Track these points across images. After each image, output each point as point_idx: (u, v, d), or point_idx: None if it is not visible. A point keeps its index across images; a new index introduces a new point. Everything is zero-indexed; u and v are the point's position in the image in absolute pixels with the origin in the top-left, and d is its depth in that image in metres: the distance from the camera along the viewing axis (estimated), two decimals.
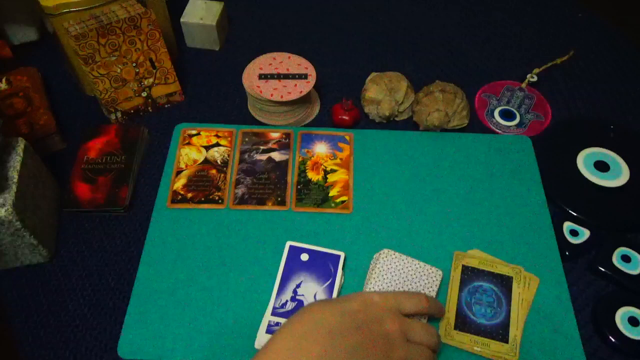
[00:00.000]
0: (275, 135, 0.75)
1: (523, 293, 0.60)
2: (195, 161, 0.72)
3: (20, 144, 0.62)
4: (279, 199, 0.69)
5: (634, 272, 0.62)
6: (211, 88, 0.83)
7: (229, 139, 0.75)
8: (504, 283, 0.61)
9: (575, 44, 0.89)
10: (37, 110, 0.74)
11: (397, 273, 0.60)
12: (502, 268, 0.62)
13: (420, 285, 0.59)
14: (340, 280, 0.61)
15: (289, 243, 0.63)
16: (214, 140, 0.74)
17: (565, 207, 0.69)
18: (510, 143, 0.74)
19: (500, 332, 0.58)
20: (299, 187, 0.70)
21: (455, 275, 0.62)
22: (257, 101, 0.75)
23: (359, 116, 0.78)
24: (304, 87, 0.74)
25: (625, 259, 0.63)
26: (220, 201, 0.68)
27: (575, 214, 0.68)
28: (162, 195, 0.69)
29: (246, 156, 0.73)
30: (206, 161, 0.72)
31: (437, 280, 0.60)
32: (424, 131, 0.76)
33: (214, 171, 0.71)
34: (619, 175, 0.71)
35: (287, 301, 0.59)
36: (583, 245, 0.65)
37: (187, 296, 0.60)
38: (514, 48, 0.90)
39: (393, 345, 0.48)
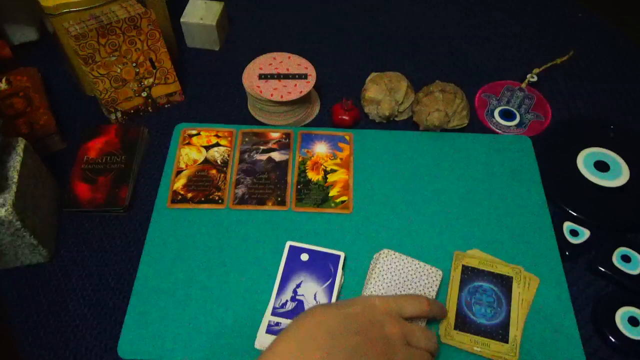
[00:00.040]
0: (275, 135, 0.75)
1: (523, 293, 0.60)
2: (195, 161, 0.72)
3: (20, 144, 0.62)
4: (279, 199, 0.69)
5: (634, 272, 0.62)
6: (211, 88, 0.83)
7: (229, 139, 0.75)
8: (504, 283, 0.61)
9: (575, 44, 0.89)
10: (37, 110, 0.74)
11: (397, 273, 0.60)
12: (502, 268, 0.62)
13: (421, 285, 0.59)
14: (340, 281, 0.61)
15: (289, 243, 0.64)
16: (214, 140, 0.74)
17: (565, 207, 0.69)
18: (510, 143, 0.74)
19: (500, 332, 0.58)
20: (299, 187, 0.70)
21: (455, 275, 0.62)
22: (257, 101, 0.75)
23: (359, 116, 0.78)
24: (304, 87, 0.74)
25: (625, 259, 0.63)
26: (220, 201, 0.68)
27: (575, 214, 0.68)
28: (162, 195, 0.69)
29: (246, 156, 0.73)
30: (206, 161, 0.72)
31: (437, 280, 0.60)
32: (424, 131, 0.76)
33: (214, 171, 0.71)
34: (619, 175, 0.71)
35: (287, 301, 0.59)
36: (583, 245, 0.65)
37: (187, 296, 0.60)
38: (514, 48, 0.90)
39: (393, 349, 0.48)
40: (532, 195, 0.69)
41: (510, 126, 0.78)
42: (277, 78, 0.75)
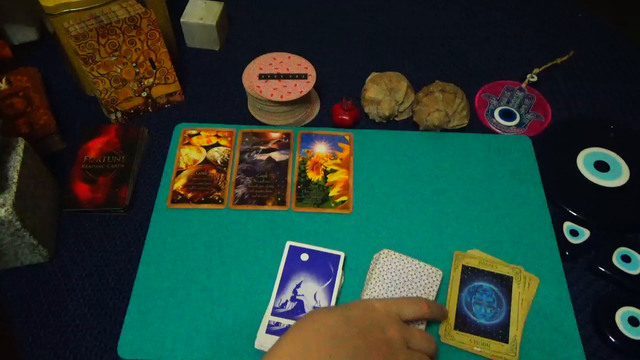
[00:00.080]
0: (275, 135, 0.75)
1: (523, 293, 0.60)
2: (195, 161, 0.72)
3: (20, 144, 0.62)
4: (279, 199, 0.69)
5: (634, 272, 0.62)
6: (211, 88, 0.83)
7: (229, 139, 0.75)
8: (504, 283, 0.61)
9: (575, 44, 0.89)
10: (37, 110, 0.74)
11: (397, 273, 0.60)
12: (502, 268, 0.62)
13: (421, 285, 0.59)
14: (340, 281, 0.61)
15: (289, 243, 0.63)
16: (214, 140, 0.74)
17: (565, 207, 0.69)
18: (510, 143, 0.74)
19: (500, 332, 0.58)
20: (299, 187, 0.70)
21: (455, 275, 0.62)
22: (257, 101, 0.75)
23: (359, 116, 0.78)
24: (304, 87, 0.74)
25: (625, 259, 0.63)
26: (220, 201, 0.68)
27: (575, 214, 0.68)
28: (162, 195, 0.69)
29: (246, 156, 0.73)
30: (206, 161, 0.72)
31: (437, 280, 0.60)
32: (424, 131, 0.76)
33: (214, 171, 0.71)
34: (619, 175, 0.71)
35: (287, 301, 0.59)
36: (583, 245, 0.65)
37: (187, 296, 0.60)
38: (514, 48, 0.90)
39: (394, 351, 0.49)
40: (532, 195, 0.69)
41: (510, 126, 0.78)
42: (277, 78, 0.75)
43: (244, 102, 0.81)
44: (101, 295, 0.62)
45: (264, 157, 0.73)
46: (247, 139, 0.75)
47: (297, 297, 0.59)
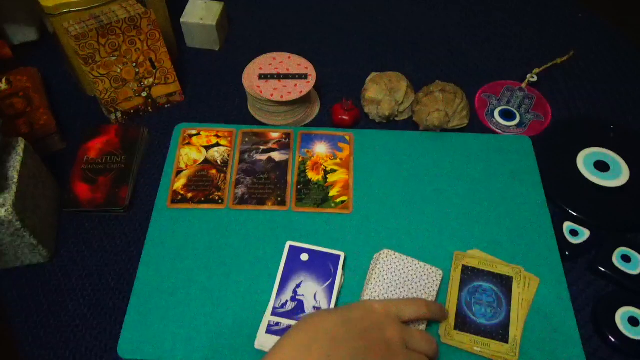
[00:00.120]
0: (275, 135, 0.75)
1: (523, 293, 0.60)
2: (195, 161, 0.72)
3: (20, 144, 0.62)
4: (279, 199, 0.69)
5: (634, 272, 0.62)
6: (211, 88, 0.83)
7: (229, 139, 0.75)
8: (504, 283, 0.61)
9: (575, 44, 0.89)
10: (37, 110, 0.74)
11: (397, 273, 0.60)
12: (502, 268, 0.62)
13: (421, 285, 0.59)
14: (340, 281, 0.61)
15: (289, 243, 0.63)
16: (214, 140, 0.74)
17: (565, 207, 0.69)
18: (510, 143, 0.74)
19: (500, 332, 0.58)
20: (299, 187, 0.70)
21: (455, 275, 0.62)
22: (257, 101, 0.75)
23: (359, 116, 0.78)
24: (304, 87, 0.74)
25: (625, 259, 0.63)
26: (220, 201, 0.68)
27: (575, 214, 0.68)
28: (162, 195, 0.69)
29: (246, 156, 0.73)
30: (206, 161, 0.72)
31: (437, 280, 0.60)
32: (424, 131, 0.76)
33: (214, 171, 0.71)
34: (619, 175, 0.71)
35: (287, 301, 0.59)
36: (583, 245, 0.65)
37: (187, 296, 0.60)
38: (514, 48, 0.90)
39: (393, 352, 0.49)
40: (532, 195, 0.69)
41: (510, 126, 0.78)
42: (277, 78, 0.75)
43: (244, 102, 0.81)
44: (101, 295, 0.62)
45: (264, 157, 0.73)
46: (247, 139, 0.75)
47: (297, 297, 0.59)
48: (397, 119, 0.79)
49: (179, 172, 0.71)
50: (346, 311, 0.51)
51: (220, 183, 0.70)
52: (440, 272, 0.61)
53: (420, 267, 0.61)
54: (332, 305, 0.59)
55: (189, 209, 0.68)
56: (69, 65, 0.80)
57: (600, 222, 0.67)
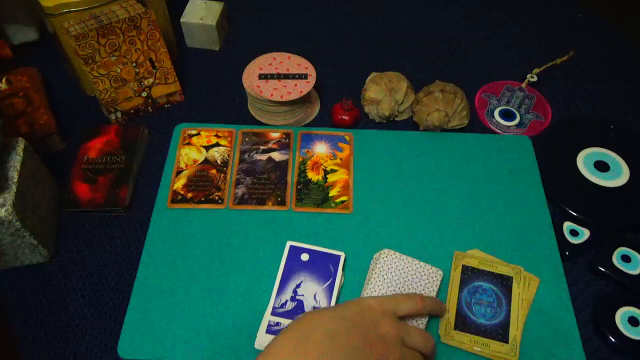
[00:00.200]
0: (275, 135, 0.75)
1: (523, 293, 0.60)
2: (195, 161, 0.72)
3: (20, 144, 0.62)
4: (279, 199, 0.69)
5: (634, 272, 0.62)
6: (211, 88, 0.83)
7: (229, 139, 0.75)
8: (504, 283, 0.61)
9: (575, 44, 0.89)
10: (37, 110, 0.74)
11: (397, 273, 0.60)
12: (502, 268, 0.62)
13: (421, 285, 0.59)
14: (340, 281, 0.61)
15: (289, 243, 0.64)
16: (214, 140, 0.74)
17: (565, 207, 0.69)
18: (510, 143, 0.74)
19: (500, 332, 0.58)
20: (299, 187, 0.70)
21: (455, 275, 0.62)
22: (257, 101, 0.75)
23: (359, 116, 0.78)
24: (304, 87, 0.74)
25: (625, 259, 0.63)
26: (220, 201, 0.68)
27: (575, 214, 0.68)
28: (162, 195, 0.69)
29: (246, 156, 0.73)
30: (206, 161, 0.72)
31: (437, 280, 0.60)
32: (424, 131, 0.76)
33: (214, 171, 0.71)
34: (619, 175, 0.71)
35: (286, 301, 0.59)
36: (583, 245, 0.65)
37: (187, 296, 0.60)
38: (514, 48, 0.90)
39: (389, 348, 0.48)
40: (532, 195, 0.69)
41: (510, 126, 0.78)
42: (277, 78, 0.75)
43: (244, 102, 0.81)
44: (101, 295, 0.62)
45: (264, 157, 0.73)
46: (247, 139, 0.75)
47: (297, 297, 0.59)
48: (397, 119, 0.79)
49: (179, 172, 0.71)
50: (342, 308, 0.50)
51: (220, 183, 0.70)
52: (440, 272, 0.61)
53: (420, 267, 0.61)
54: (332, 305, 0.59)
55: (189, 209, 0.68)
56: (69, 65, 0.80)
57: (600, 222, 0.67)
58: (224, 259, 0.63)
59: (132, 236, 0.67)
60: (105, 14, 0.70)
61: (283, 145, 0.74)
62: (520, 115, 0.79)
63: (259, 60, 0.77)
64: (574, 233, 0.66)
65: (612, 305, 0.60)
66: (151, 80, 0.76)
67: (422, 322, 0.56)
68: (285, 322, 0.58)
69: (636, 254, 0.64)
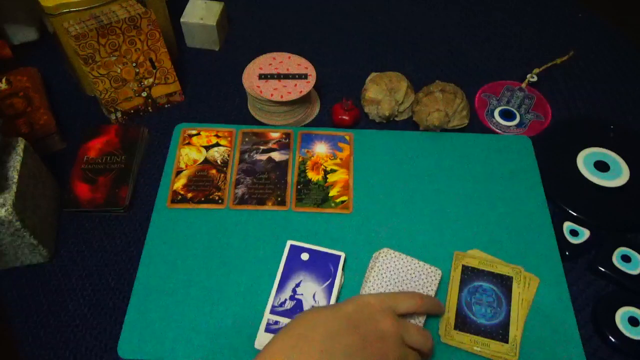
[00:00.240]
0: (275, 135, 0.75)
1: (523, 293, 0.60)
2: (195, 161, 0.72)
3: (20, 144, 0.62)
4: (279, 199, 0.69)
5: (634, 272, 0.62)
6: (211, 88, 0.83)
7: (229, 139, 0.75)
8: (504, 283, 0.61)
9: (575, 44, 0.89)
10: (37, 110, 0.74)
11: (396, 272, 0.60)
12: (502, 268, 0.62)
13: (420, 284, 0.59)
14: (340, 281, 0.61)
15: (289, 242, 0.64)
16: (214, 140, 0.74)
17: (565, 207, 0.69)
18: (510, 143, 0.74)
19: (500, 332, 0.58)
20: (299, 187, 0.70)
21: (455, 275, 0.62)
22: (257, 101, 0.75)
23: (359, 116, 0.78)
24: (304, 87, 0.74)
25: (625, 259, 0.63)
26: (220, 201, 0.68)
27: (575, 214, 0.68)
28: (162, 195, 0.69)
29: (246, 156, 0.73)
30: (206, 161, 0.72)
31: (436, 279, 0.60)
32: (424, 131, 0.76)
33: (214, 171, 0.71)
34: (619, 175, 0.71)
35: (286, 300, 0.59)
36: (583, 245, 0.65)
37: (187, 296, 0.60)
38: (514, 48, 0.90)
39: (388, 345, 0.48)
40: (532, 195, 0.69)
41: (510, 126, 0.78)
42: (277, 78, 0.75)
43: (244, 102, 0.81)
44: (101, 295, 0.62)
45: (264, 157, 0.73)
46: (247, 139, 0.75)
47: (296, 297, 0.59)
48: (397, 119, 0.79)
49: (179, 172, 0.71)
50: (341, 306, 0.50)
51: (220, 183, 0.70)
52: (439, 271, 0.61)
53: (420, 266, 0.61)
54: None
55: (189, 209, 0.68)
56: (69, 65, 0.80)
57: (600, 222, 0.67)
58: (224, 259, 0.63)
59: (132, 236, 0.67)
60: (105, 14, 0.70)
61: (283, 145, 0.74)
62: (520, 115, 0.79)
63: (259, 60, 0.77)
64: (574, 233, 0.66)
65: (612, 305, 0.60)
66: (151, 80, 0.76)
67: (420, 321, 0.56)
68: (284, 320, 0.58)
69: (636, 254, 0.64)
